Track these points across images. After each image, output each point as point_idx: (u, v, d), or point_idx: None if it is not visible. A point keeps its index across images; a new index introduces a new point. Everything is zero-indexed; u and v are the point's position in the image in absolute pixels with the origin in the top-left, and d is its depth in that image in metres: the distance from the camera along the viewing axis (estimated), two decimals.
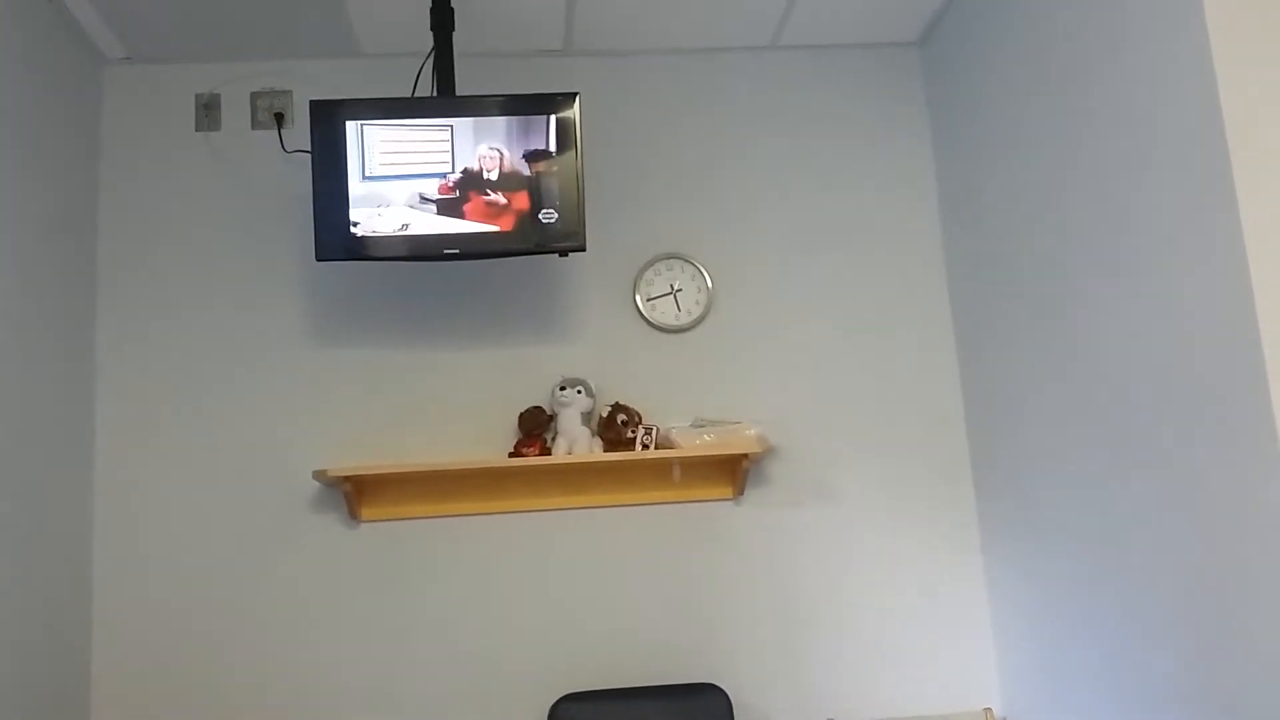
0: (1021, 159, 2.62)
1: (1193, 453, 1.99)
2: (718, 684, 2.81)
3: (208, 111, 3.02)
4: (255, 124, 3.02)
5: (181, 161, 2.99)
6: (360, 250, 2.59)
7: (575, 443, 2.81)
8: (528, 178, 2.59)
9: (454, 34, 2.75)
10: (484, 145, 2.58)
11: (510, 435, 2.90)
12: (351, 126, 2.59)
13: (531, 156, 2.61)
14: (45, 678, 2.53)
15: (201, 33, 2.89)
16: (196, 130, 3.01)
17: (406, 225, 2.57)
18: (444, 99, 2.67)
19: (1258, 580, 1.83)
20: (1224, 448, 1.90)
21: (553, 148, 2.63)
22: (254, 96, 3.03)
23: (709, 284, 3.03)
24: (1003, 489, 2.83)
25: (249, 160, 3.00)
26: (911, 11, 3.02)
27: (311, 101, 2.63)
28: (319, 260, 2.60)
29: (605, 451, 2.83)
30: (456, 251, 2.59)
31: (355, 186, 2.56)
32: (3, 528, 2.37)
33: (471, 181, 2.58)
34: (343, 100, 2.63)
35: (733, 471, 2.92)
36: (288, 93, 3.03)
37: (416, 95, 2.80)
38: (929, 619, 2.93)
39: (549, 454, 2.82)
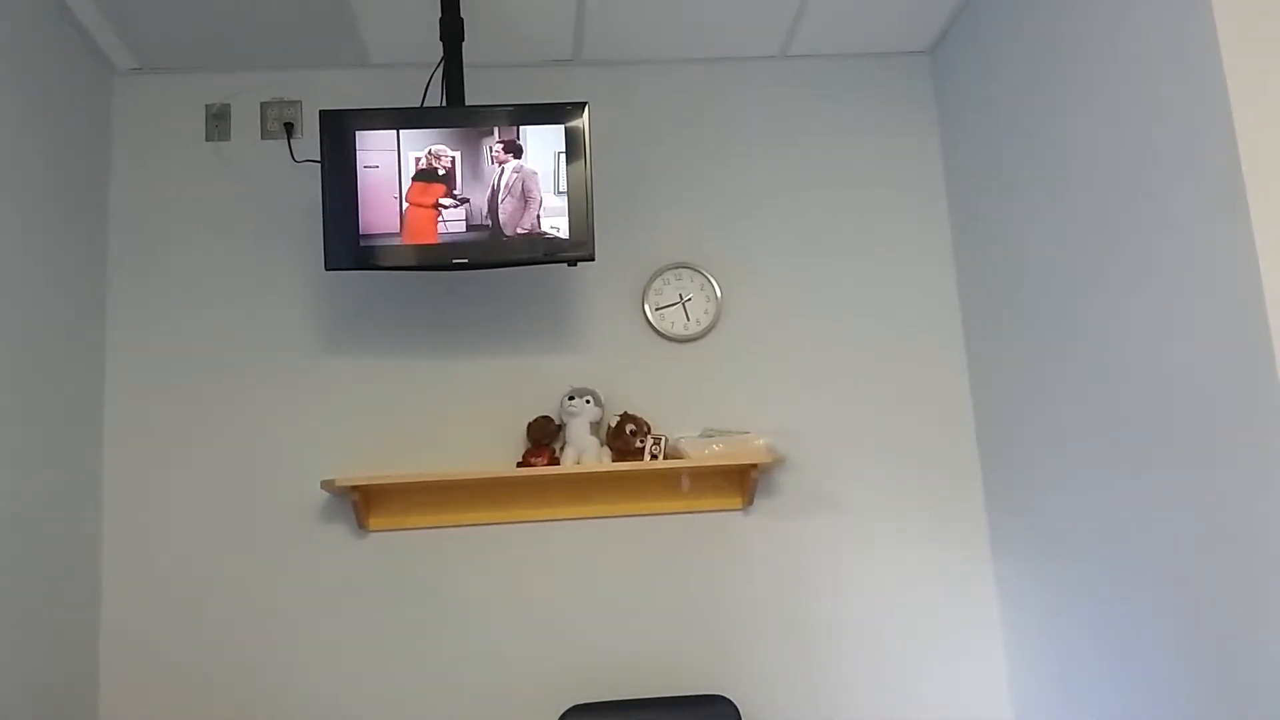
0: (1032, 167, 2.62)
1: (1207, 461, 1.98)
2: (726, 695, 2.80)
3: (218, 121, 3.03)
4: (265, 134, 3.03)
5: (191, 171, 3.00)
6: (369, 260, 2.59)
7: (584, 453, 2.81)
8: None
9: (463, 44, 2.76)
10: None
11: (518, 445, 2.90)
12: (361, 137, 2.60)
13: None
14: (53, 684, 2.53)
15: (211, 43, 2.90)
16: (206, 140, 3.02)
17: None
18: (453, 109, 2.67)
19: (1273, 590, 1.82)
20: (1238, 455, 1.89)
21: (562, 157, 2.63)
22: (264, 106, 3.04)
23: (718, 293, 3.02)
24: (1013, 498, 2.82)
25: (258, 170, 3.01)
26: (921, 20, 3.01)
27: (321, 111, 2.63)
28: (328, 269, 2.61)
29: (614, 461, 2.82)
30: (465, 261, 2.60)
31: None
32: (11, 535, 2.37)
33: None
34: (352, 110, 2.63)
35: (742, 481, 2.91)
36: (297, 103, 3.04)
37: (426, 105, 2.80)
38: (940, 630, 2.91)
39: (557, 464, 2.82)
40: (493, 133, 2.62)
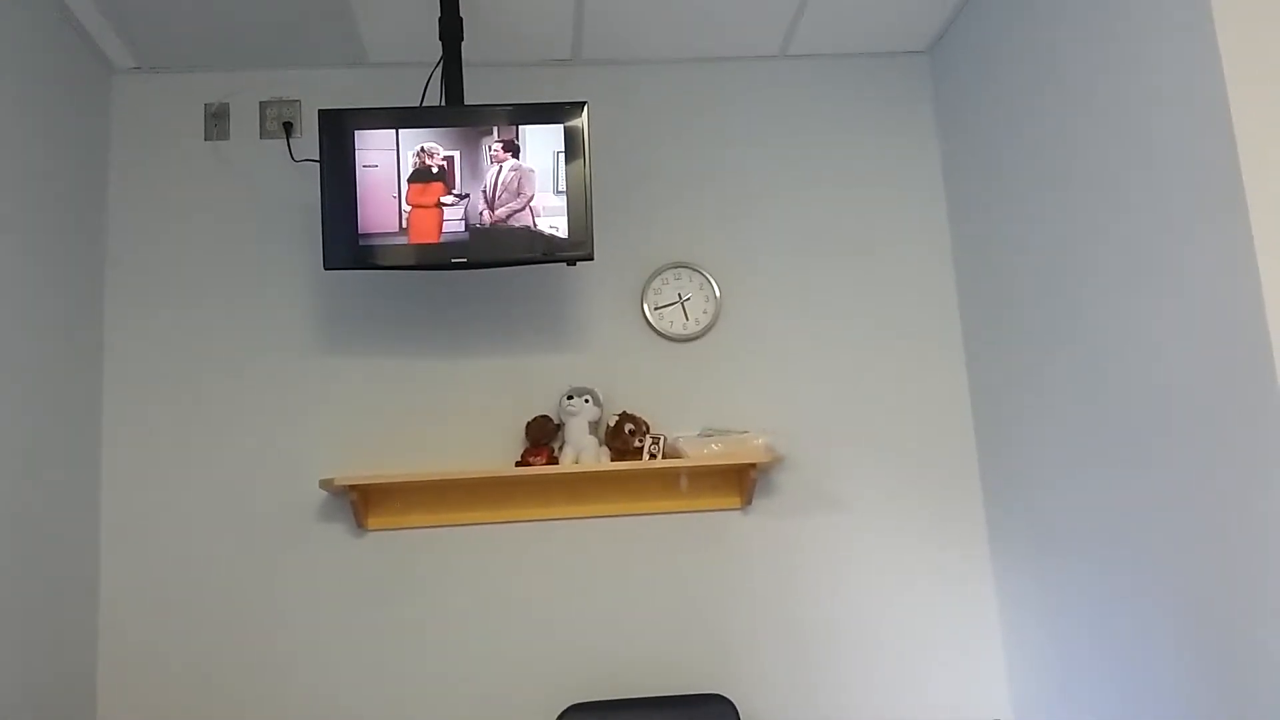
0: (1030, 167, 2.62)
1: (1205, 459, 1.98)
2: (725, 695, 2.80)
3: (216, 121, 3.02)
4: (264, 133, 3.02)
5: (190, 170, 3.00)
6: (368, 259, 2.59)
7: (583, 452, 2.81)
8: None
9: (462, 43, 2.76)
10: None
11: (517, 444, 2.90)
12: (360, 136, 2.60)
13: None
14: (52, 683, 2.53)
15: (211, 42, 2.90)
16: (205, 139, 3.01)
17: None
18: (452, 108, 2.67)
19: (1271, 588, 1.82)
20: (1238, 455, 1.89)
21: (561, 157, 2.63)
22: (263, 106, 3.03)
23: (717, 293, 3.02)
24: (1011, 497, 2.82)
25: (257, 169, 3.01)
26: (920, 20, 3.01)
27: (320, 111, 2.63)
28: (327, 269, 2.61)
29: (612, 461, 2.82)
30: (464, 260, 2.59)
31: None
32: (10, 535, 2.37)
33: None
34: (351, 109, 2.63)
35: (740, 481, 2.91)
36: (296, 102, 3.04)
37: (425, 105, 2.80)
38: (938, 629, 2.91)
39: (556, 463, 2.82)
40: (492, 132, 2.62)
